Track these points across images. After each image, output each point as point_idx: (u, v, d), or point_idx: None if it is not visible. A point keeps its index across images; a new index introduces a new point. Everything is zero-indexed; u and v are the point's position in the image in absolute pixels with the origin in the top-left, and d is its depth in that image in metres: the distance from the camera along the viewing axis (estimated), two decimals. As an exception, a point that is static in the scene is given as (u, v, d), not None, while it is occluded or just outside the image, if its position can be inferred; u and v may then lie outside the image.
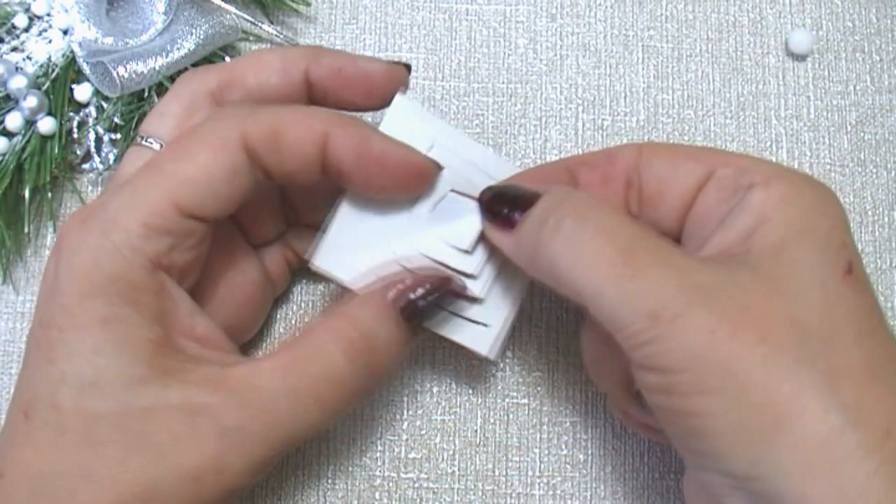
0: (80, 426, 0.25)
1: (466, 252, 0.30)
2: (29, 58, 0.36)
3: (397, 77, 0.31)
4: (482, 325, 0.31)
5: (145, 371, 0.26)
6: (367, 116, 0.36)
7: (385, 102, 0.31)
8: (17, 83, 0.35)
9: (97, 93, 0.35)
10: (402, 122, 0.30)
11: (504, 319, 0.31)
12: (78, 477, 0.25)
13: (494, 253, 0.31)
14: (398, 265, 0.30)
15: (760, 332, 0.24)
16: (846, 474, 0.22)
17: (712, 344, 0.24)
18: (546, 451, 0.35)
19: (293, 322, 0.36)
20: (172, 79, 0.35)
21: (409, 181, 0.29)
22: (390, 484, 0.35)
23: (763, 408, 0.23)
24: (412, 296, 0.29)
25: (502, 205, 0.29)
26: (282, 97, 0.30)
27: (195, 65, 0.35)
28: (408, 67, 0.32)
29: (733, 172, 0.28)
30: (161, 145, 0.29)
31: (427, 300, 0.29)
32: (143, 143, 0.29)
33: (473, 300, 0.31)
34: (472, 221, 0.30)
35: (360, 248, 0.30)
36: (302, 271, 0.36)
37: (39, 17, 0.36)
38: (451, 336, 0.31)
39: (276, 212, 0.33)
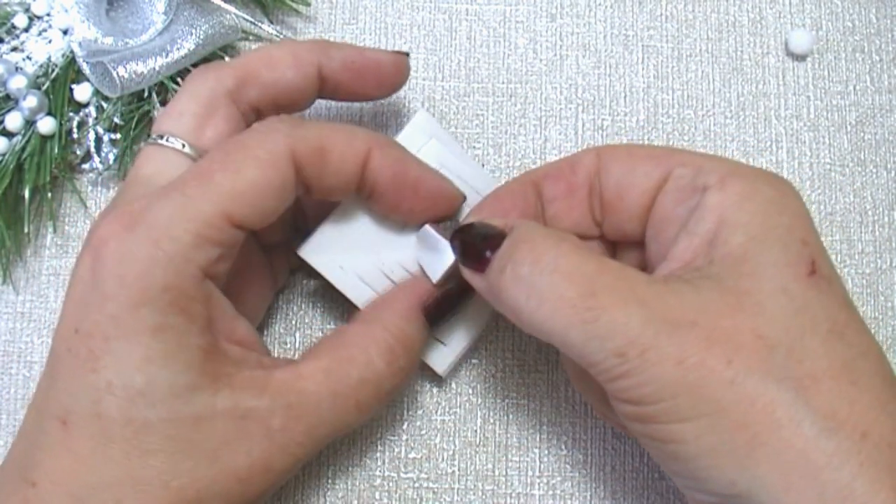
0: (128, 435, 0.25)
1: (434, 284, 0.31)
2: (29, 58, 0.36)
3: (404, 65, 0.32)
4: (440, 343, 0.33)
5: (196, 378, 0.26)
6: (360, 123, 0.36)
7: (393, 91, 0.33)
8: (17, 83, 0.35)
9: (97, 93, 0.35)
10: (419, 136, 0.32)
11: (463, 342, 0.33)
12: (125, 486, 0.25)
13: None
14: (383, 275, 0.32)
15: (727, 355, 0.24)
16: (826, 482, 0.23)
17: (681, 374, 0.24)
18: (546, 451, 0.35)
19: (293, 322, 0.36)
20: (173, 79, 0.35)
21: (437, 208, 0.31)
22: (390, 484, 0.35)
23: (737, 429, 0.24)
24: (435, 298, 0.31)
25: (471, 247, 0.29)
26: (295, 92, 0.31)
27: (195, 65, 0.35)
28: (407, 55, 0.33)
29: (689, 173, 0.28)
30: (183, 144, 0.29)
31: (448, 303, 0.31)
32: (162, 141, 0.29)
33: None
34: (443, 258, 0.31)
35: (349, 251, 0.31)
36: (303, 273, 0.36)
37: (39, 17, 0.36)
38: None
39: (289, 219, 0.34)
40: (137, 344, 0.25)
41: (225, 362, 0.27)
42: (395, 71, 0.32)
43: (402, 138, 0.32)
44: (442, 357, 0.33)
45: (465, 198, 0.31)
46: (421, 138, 0.32)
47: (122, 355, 0.25)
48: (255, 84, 0.30)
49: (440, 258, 0.31)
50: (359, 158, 0.28)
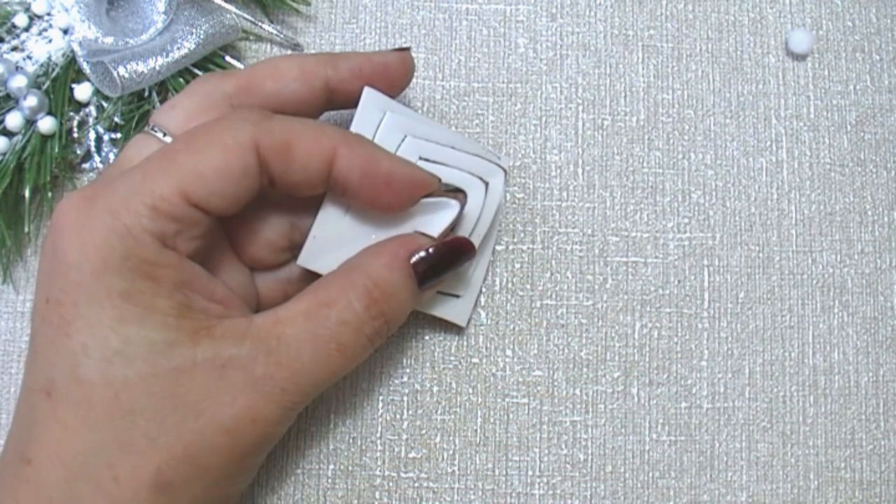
0: (110, 397, 0.25)
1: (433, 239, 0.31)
2: (29, 57, 0.36)
3: (410, 61, 0.32)
4: (454, 297, 0.34)
5: (173, 334, 0.26)
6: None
7: (403, 88, 0.33)
8: (18, 83, 0.35)
9: (97, 92, 0.35)
10: (373, 114, 0.31)
11: (475, 290, 0.34)
12: (114, 449, 0.25)
13: (465, 233, 0.32)
14: None
15: None
16: None
17: None
18: (546, 451, 0.35)
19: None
20: (173, 78, 0.35)
21: (413, 196, 0.30)
22: (390, 484, 0.35)
23: None
24: (425, 253, 0.30)
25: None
26: (300, 103, 0.31)
27: (196, 65, 0.35)
28: (409, 49, 0.33)
29: None
30: (164, 134, 0.29)
31: (439, 258, 0.31)
32: (149, 131, 0.30)
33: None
34: (444, 216, 0.31)
35: (345, 244, 0.31)
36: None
37: (39, 17, 0.36)
38: (427, 310, 0.33)
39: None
40: (109, 307, 0.26)
41: (203, 318, 0.27)
42: (403, 69, 0.32)
43: (358, 121, 0.31)
44: (460, 310, 0.34)
45: (440, 181, 0.31)
46: (376, 115, 0.31)
47: (93, 318, 0.26)
48: (257, 92, 0.30)
49: (442, 216, 0.31)
50: (324, 156, 0.28)
